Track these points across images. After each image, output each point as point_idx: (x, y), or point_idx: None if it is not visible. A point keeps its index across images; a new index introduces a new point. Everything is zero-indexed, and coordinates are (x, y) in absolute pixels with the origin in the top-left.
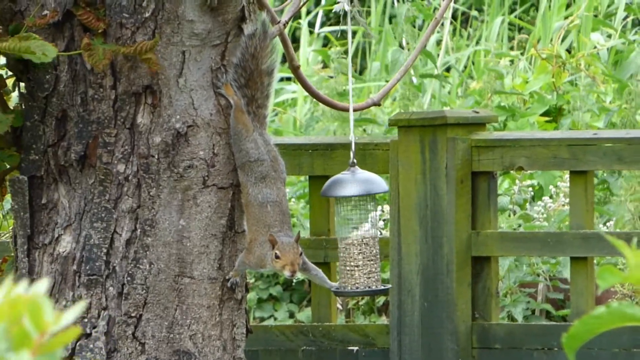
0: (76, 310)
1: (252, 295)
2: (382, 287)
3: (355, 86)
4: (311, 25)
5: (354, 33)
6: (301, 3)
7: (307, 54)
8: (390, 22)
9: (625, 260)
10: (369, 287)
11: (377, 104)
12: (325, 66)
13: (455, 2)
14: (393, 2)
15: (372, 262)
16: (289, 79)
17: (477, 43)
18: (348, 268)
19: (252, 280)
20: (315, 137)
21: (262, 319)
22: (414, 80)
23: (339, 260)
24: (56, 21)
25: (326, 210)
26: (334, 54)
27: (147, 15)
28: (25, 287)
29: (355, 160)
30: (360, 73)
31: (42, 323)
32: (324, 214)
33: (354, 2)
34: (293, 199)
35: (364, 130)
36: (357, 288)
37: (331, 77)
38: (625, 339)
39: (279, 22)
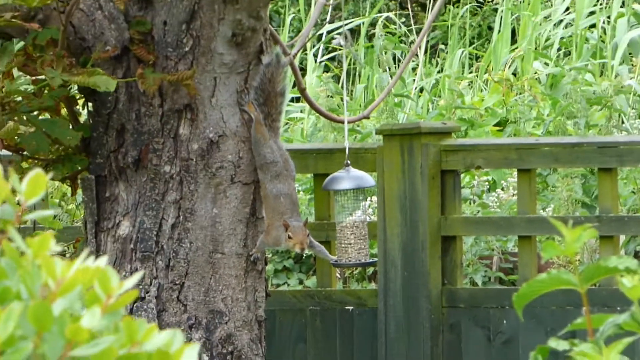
0: (134, 279)
1: (269, 267)
2: (370, 260)
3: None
4: (315, 56)
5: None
6: (307, 39)
7: (312, 79)
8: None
9: (561, 237)
10: (359, 260)
11: (367, 117)
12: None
13: (426, 37)
14: (373, 37)
15: (361, 241)
16: (298, 98)
17: (443, 70)
18: (343, 245)
19: (270, 255)
20: (318, 144)
21: (278, 285)
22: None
23: (336, 239)
24: (116, 55)
25: (327, 200)
26: (325, 79)
27: (186, 49)
28: (93, 261)
29: (349, 162)
30: (350, 94)
31: (109, 288)
32: (325, 203)
33: (348, 38)
34: (302, 192)
35: (355, 138)
36: (349, 261)
37: (329, 97)
38: (560, 299)
39: (289, 54)
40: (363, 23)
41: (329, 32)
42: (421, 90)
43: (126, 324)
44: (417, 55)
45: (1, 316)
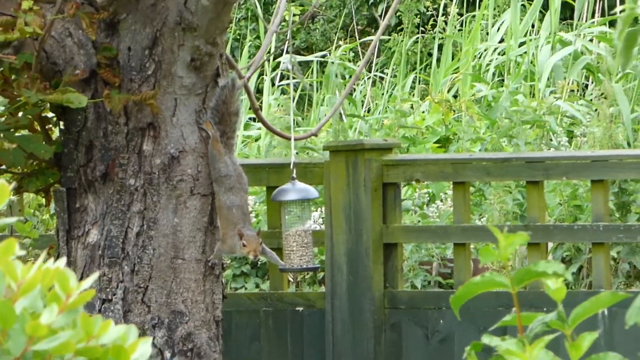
0: (90, 280)
1: (229, 272)
2: (311, 266)
3: (301, 127)
4: (272, 80)
5: (304, 86)
6: (259, 64)
7: (270, 101)
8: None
9: (495, 245)
10: (301, 265)
11: (315, 134)
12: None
13: (373, 62)
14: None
15: (303, 248)
16: (254, 118)
17: (390, 92)
18: (287, 252)
19: (229, 261)
20: (270, 159)
21: (236, 289)
22: (344, 119)
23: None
24: (85, 78)
25: (279, 210)
26: (283, 100)
27: (149, 72)
28: (54, 264)
29: (294, 175)
30: (306, 115)
31: (68, 288)
32: (277, 213)
33: (294, 65)
34: (257, 203)
35: (307, 154)
36: (292, 266)
37: (282, 117)
38: (492, 301)
39: (244, 77)
40: (325, 54)
41: (285, 61)
42: (368, 110)
43: (83, 320)
44: (366, 79)
45: None
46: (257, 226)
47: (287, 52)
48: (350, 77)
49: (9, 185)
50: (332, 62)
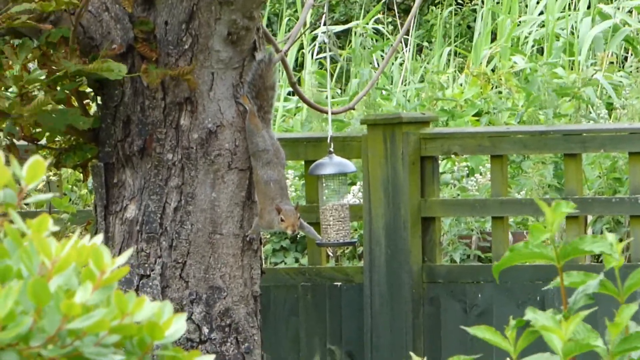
0: (124, 256)
1: (268, 247)
2: (348, 241)
3: (342, 98)
4: (311, 53)
5: (337, 59)
6: (296, 38)
7: (307, 75)
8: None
9: (534, 218)
10: (337, 240)
11: (352, 108)
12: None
13: (411, 35)
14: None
15: (340, 223)
16: (293, 92)
17: (428, 65)
18: (323, 227)
19: (268, 236)
20: (308, 133)
21: (276, 264)
22: (383, 92)
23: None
24: (122, 52)
25: (316, 185)
26: (319, 73)
27: (186, 47)
28: (92, 239)
29: (332, 149)
30: (344, 88)
31: (102, 265)
32: (314, 188)
33: (331, 36)
34: (296, 178)
35: (342, 129)
36: (329, 240)
37: (319, 91)
38: (530, 274)
39: (281, 51)
40: (357, 24)
41: (323, 33)
42: (405, 84)
43: (117, 298)
44: (403, 52)
45: (1, 293)
46: (295, 200)
47: (324, 25)
48: (384, 50)
49: (45, 161)
50: (360, 34)
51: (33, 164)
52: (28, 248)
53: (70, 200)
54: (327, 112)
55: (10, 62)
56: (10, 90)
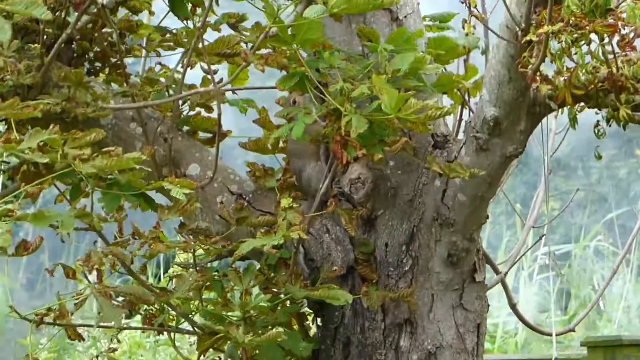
0: None
1: None
2: None
3: (561, 317)
4: (530, 274)
5: (557, 280)
6: (515, 260)
7: (526, 296)
8: None
9: None
10: None
11: (572, 330)
12: None
13: (633, 254)
14: None
15: None
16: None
17: None
18: None
19: None
20: (528, 355)
21: None
22: (603, 314)
23: None
24: (342, 274)
25: None
26: (540, 295)
27: (406, 268)
28: None
29: None
30: (565, 307)
31: None
32: None
33: (554, 256)
34: None
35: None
36: None
37: (541, 312)
38: None
39: (500, 273)
40: (577, 244)
41: (544, 255)
42: (627, 307)
43: None
44: (624, 273)
45: None
46: None
47: (546, 246)
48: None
49: None
50: (579, 255)
51: None
52: None
53: None
54: (548, 334)
55: (232, 287)
56: (232, 314)
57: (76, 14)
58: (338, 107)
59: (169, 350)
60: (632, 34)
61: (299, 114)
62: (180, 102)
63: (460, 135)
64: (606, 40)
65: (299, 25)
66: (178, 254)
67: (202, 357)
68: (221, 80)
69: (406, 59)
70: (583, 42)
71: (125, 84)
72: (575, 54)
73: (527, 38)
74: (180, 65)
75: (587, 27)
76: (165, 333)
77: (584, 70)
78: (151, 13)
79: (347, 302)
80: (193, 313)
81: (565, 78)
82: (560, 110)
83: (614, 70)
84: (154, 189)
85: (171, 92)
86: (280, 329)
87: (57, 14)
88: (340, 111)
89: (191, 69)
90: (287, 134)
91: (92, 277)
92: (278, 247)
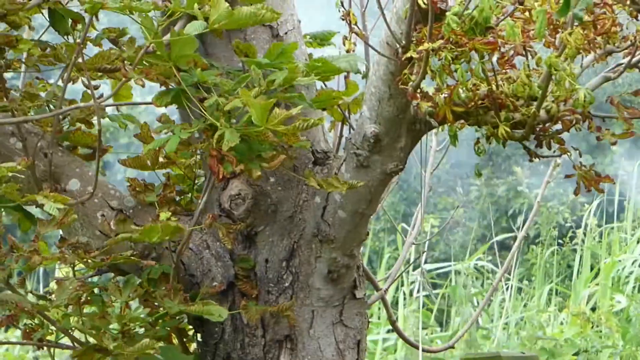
0: None
1: None
2: None
3: (443, 333)
4: (410, 293)
5: (433, 299)
6: (395, 278)
7: (405, 313)
8: None
9: None
10: None
11: (451, 347)
12: None
13: (512, 274)
14: None
15: None
16: (391, 330)
17: (527, 304)
18: None
19: None
20: None
21: None
22: (484, 332)
23: None
24: (222, 290)
25: None
26: (415, 312)
27: (286, 284)
28: None
29: None
30: (446, 325)
31: None
32: None
33: (426, 275)
34: None
35: None
36: None
37: (423, 329)
38: None
39: (381, 289)
40: (457, 263)
41: (414, 273)
42: (506, 324)
43: None
44: (503, 291)
45: None
46: None
47: (425, 263)
48: (485, 287)
49: None
50: (462, 273)
51: None
52: None
53: None
54: (428, 351)
55: (112, 300)
56: (111, 326)
57: None
58: (213, 122)
59: None
60: (511, 52)
61: (175, 129)
62: (61, 117)
63: (341, 152)
64: (486, 57)
65: (174, 41)
66: (60, 268)
67: None
68: (102, 95)
69: (281, 71)
70: (463, 59)
71: (4, 99)
72: (456, 71)
73: (408, 55)
74: (60, 80)
75: (467, 45)
76: (45, 348)
77: (464, 88)
78: (31, 28)
79: (222, 318)
80: (73, 328)
81: (446, 95)
82: (440, 127)
83: (494, 87)
84: (29, 201)
85: (51, 107)
86: (160, 343)
87: None
88: (216, 126)
89: (73, 83)
90: (159, 145)
91: None
92: (157, 259)
